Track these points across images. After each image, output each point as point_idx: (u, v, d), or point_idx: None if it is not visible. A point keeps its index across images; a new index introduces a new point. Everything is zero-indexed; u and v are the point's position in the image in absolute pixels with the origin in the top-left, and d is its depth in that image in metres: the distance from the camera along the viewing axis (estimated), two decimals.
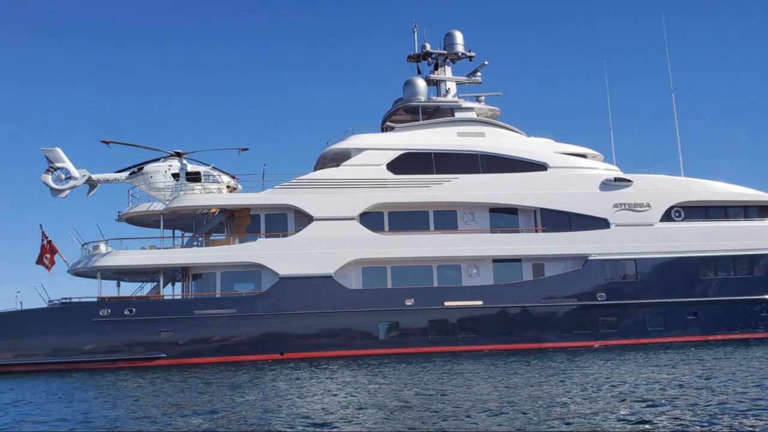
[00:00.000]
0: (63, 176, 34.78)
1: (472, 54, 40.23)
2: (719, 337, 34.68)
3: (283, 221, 34.06)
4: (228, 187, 35.57)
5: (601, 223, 35.08)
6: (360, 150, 35.18)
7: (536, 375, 22.02)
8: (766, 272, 35.73)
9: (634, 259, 34.79)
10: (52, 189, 34.80)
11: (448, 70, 40.20)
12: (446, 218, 34.97)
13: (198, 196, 33.93)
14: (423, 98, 38.27)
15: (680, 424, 12.99)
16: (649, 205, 35.52)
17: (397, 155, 35.08)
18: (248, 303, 32.35)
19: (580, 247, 34.56)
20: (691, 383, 18.80)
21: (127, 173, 35.71)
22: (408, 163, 35.00)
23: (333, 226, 33.18)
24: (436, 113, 38.64)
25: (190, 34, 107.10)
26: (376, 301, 32.74)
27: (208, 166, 35.73)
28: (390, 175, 34.61)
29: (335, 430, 13.64)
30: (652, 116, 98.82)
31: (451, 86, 39.60)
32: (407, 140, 35.88)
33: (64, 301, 32.47)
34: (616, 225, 35.11)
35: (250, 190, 35.33)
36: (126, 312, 31.46)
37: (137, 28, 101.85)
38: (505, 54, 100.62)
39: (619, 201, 35.41)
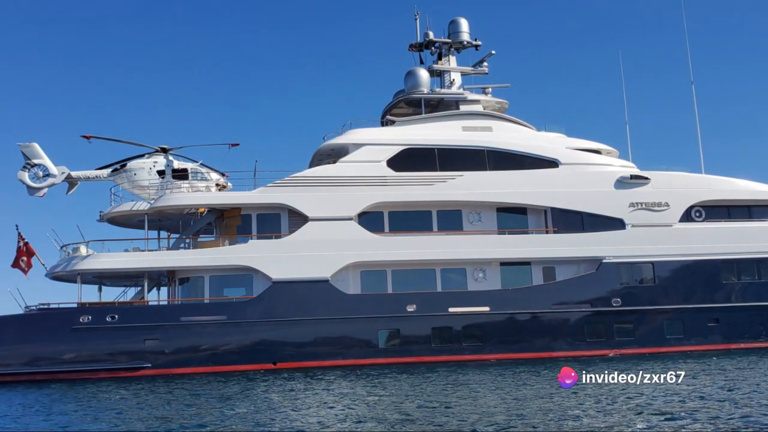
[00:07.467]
0: (41, 173, 34.79)
1: (479, 43, 40.23)
2: (742, 345, 34.62)
3: (276, 222, 34.08)
4: (217, 185, 35.59)
5: (617, 224, 35.05)
6: (358, 145, 35.19)
7: (547, 386, 22.04)
8: None
9: (652, 262, 34.76)
10: (29, 187, 34.80)
11: (453, 59, 40.21)
12: (450, 218, 34.96)
13: (185, 195, 33.95)
14: (426, 90, 38.29)
15: None
16: (667, 205, 35.51)
17: (398, 151, 35.09)
18: (239, 309, 32.35)
19: (593, 250, 34.51)
20: (712, 395, 18.81)
21: (109, 170, 35.75)
22: (410, 160, 35.00)
23: (329, 227, 33.18)
24: (439, 106, 38.65)
25: (176, 21, 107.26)
26: (376, 306, 32.74)
27: (196, 162, 35.75)
28: (390, 172, 34.61)
29: None
30: (670, 110, 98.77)
31: (456, 77, 39.62)
32: (409, 135, 35.90)
33: (41, 307, 32.45)
34: (633, 225, 35.09)
35: (240, 188, 35.35)
36: (108, 318, 31.45)
37: (120, 15, 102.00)
38: (513, 43, 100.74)
39: (636, 200, 35.40)
